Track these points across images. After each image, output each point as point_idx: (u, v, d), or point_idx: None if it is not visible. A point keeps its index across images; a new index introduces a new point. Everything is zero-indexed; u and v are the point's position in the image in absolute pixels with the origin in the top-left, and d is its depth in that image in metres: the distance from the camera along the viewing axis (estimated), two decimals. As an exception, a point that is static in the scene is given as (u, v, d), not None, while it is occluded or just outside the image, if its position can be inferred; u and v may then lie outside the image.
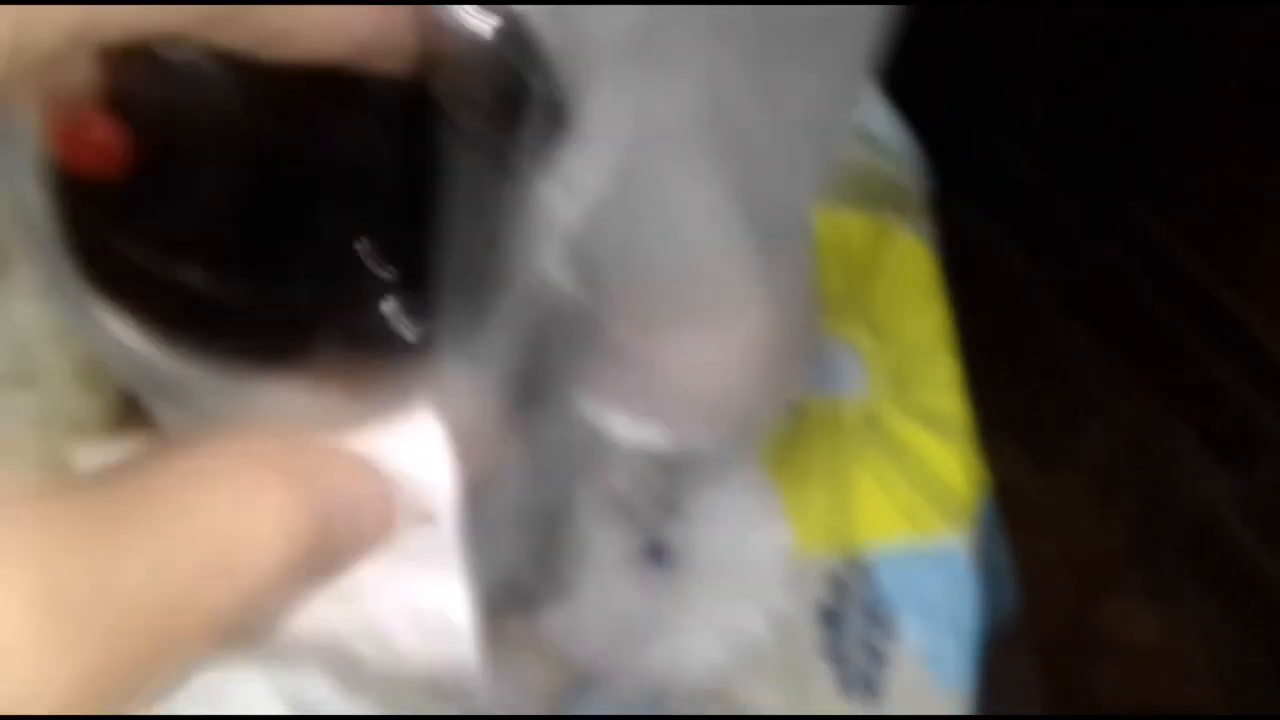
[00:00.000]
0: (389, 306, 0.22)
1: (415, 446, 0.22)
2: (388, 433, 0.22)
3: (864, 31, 0.31)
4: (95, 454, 0.20)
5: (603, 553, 0.43)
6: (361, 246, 0.21)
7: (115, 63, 0.19)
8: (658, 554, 0.45)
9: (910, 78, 0.64)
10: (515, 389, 0.24)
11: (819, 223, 0.50)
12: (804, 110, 0.31)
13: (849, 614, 0.44)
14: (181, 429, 0.25)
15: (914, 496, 0.46)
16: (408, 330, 0.23)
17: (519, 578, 0.37)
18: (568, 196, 0.24)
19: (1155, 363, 1.21)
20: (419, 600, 0.24)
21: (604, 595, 0.43)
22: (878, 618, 0.44)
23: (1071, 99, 1.15)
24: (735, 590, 0.45)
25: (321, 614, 0.23)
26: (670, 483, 0.40)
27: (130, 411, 0.41)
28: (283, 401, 0.24)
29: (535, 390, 0.27)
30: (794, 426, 0.47)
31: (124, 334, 0.22)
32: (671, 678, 0.43)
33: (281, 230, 0.21)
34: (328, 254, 0.21)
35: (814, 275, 0.37)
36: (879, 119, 0.55)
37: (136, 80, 0.19)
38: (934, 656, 0.44)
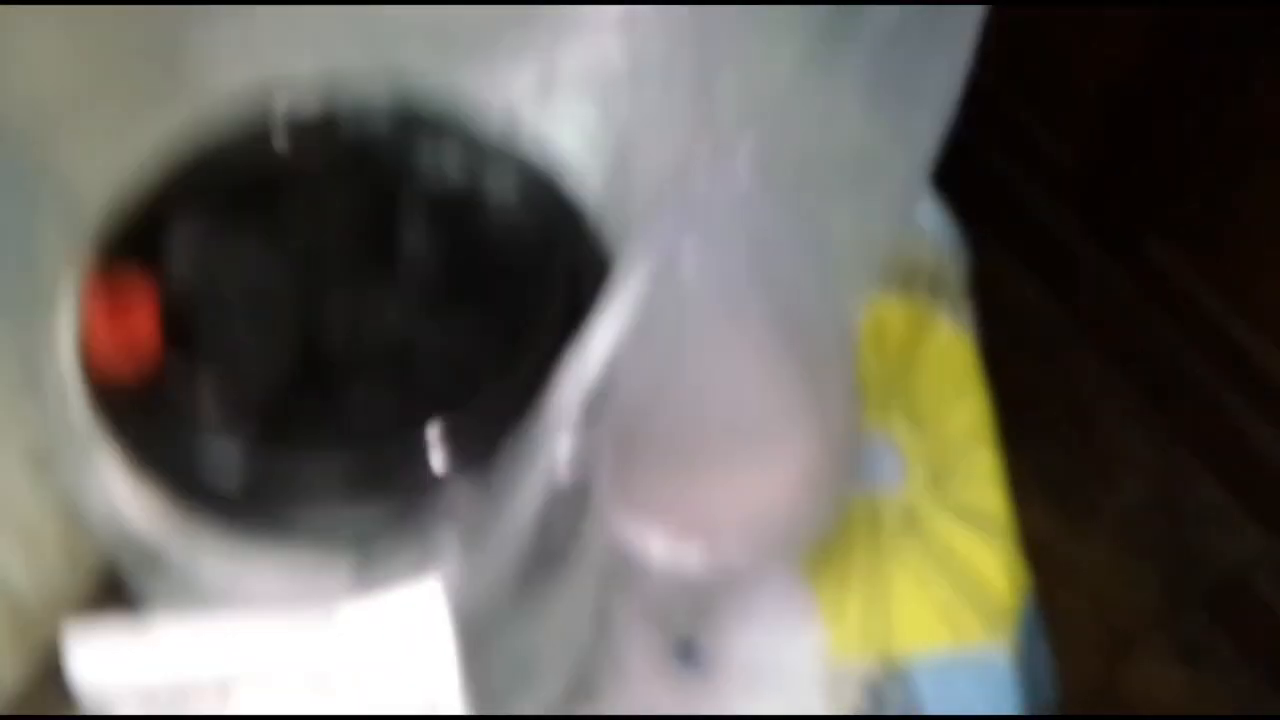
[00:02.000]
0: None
1: (413, 617, 0.21)
2: (386, 604, 0.21)
3: (918, 153, 0.30)
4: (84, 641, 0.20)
5: (633, 652, 0.42)
6: (430, 433, 0.21)
7: (160, 229, 0.19)
8: (689, 654, 0.44)
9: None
10: (522, 565, 0.23)
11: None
12: (852, 237, 0.30)
13: (887, 724, 0.43)
14: (166, 605, 0.25)
15: (954, 600, 0.45)
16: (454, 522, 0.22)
17: (550, 694, 0.36)
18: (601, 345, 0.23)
19: (1187, 419, 1.19)
20: None
21: (633, 696, 0.42)
22: (917, 729, 0.43)
23: (1102, 147, 1.14)
24: (769, 695, 0.43)
25: None
26: (705, 596, 0.39)
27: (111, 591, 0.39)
28: (279, 579, 0.23)
29: (551, 548, 0.26)
30: (828, 529, 0.46)
31: (136, 508, 0.21)
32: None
33: (313, 405, 0.20)
34: (365, 434, 0.20)
35: (856, 384, 0.36)
36: (924, 206, 0.54)
37: (181, 248, 0.19)
38: (974, 769, 0.42)
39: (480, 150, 0.23)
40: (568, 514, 0.23)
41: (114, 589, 0.39)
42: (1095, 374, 1.25)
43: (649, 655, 0.43)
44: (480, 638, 0.21)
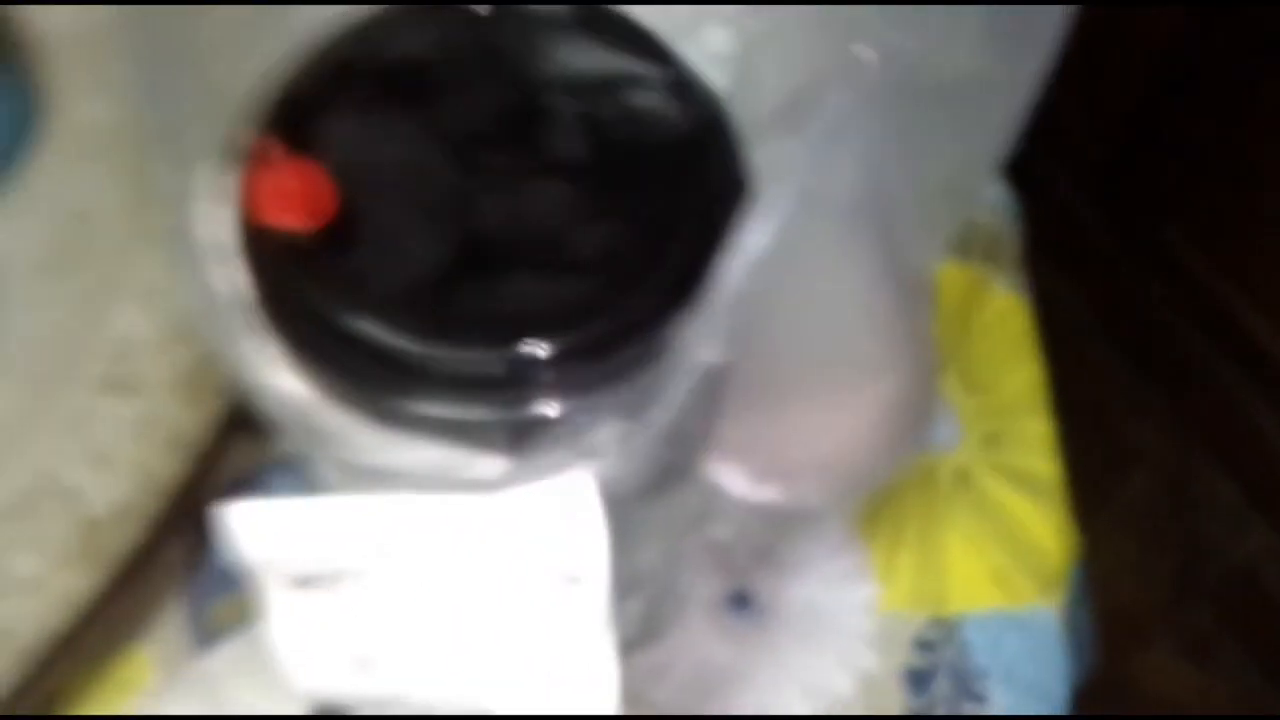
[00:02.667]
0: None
1: (568, 503, 0.21)
2: (541, 490, 0.21)
3: (1018, 92, 0.30)
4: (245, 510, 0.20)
5: (692, 598, 0.43)
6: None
7: (316, 113, 0.19)
8: (743, 602, 0.44)
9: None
10: (664, 459, 0.23)
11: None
12: (946, 173, 0.30)
13: (936, 678, 0.43)
14: (326, 474, 0.25)
15: (1006, 561, 0.45)
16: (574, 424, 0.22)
17: (628, 633, 0.36)
18: (737, 263, 0.23)
19: (1201, 413, 1.19)
20: (561, 658, 0.23)
21: (690, 640, 0.43)
22: (967, 686, 0.43)
23: (1125, 135, 1.14)
24: (821, 645, 0.44)
25: (459, 677, 0.22)
26: (773, 536, 0.40)
27: (236, 425, 0.40)
28: (434, 459, 0.23)
29: (678, 459, 0.26)
30: (887, 483, 0.46)
31: (290, 381, 0.21)
32: (754, 731, 0.42)
33: (470, 295, 0.20)
34: (513, 322, 0.20)
35: (936, 340, 0.36)
36: (985, 177, 0.54)
37: (336, 132, 0.19)
38: (1022, 726, 0.43)
39: (631, 53, 0.23)
40: (696, 426, 0.23)
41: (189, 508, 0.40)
42: (1109, 364, 1.25)
43: (706, 602, 0.44)
44: (618, 542, 0.21)
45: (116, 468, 0.39)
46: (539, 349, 0.20)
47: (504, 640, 0.22)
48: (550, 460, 0.20)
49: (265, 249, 0.20)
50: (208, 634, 0.42)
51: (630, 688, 0.42)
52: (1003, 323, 0.51)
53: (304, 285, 0.20)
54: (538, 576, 0.21)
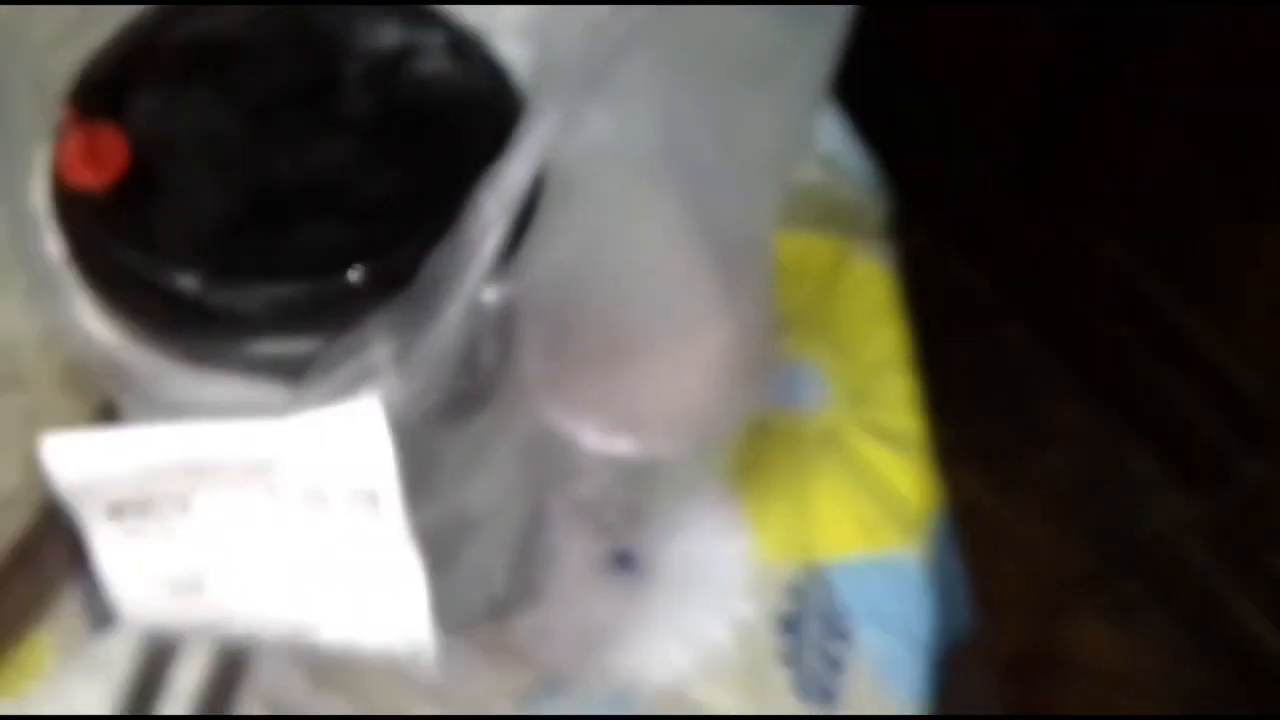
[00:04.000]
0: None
1: (357, 425, 0.23)
2: (331, 413, 0.23)
3: (816, 62, 0.33)
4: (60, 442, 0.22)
5: (571, 560, 0.45)
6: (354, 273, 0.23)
7: (118, 84, 0.21)
8: (625, 562, 0.46)
9: (881, 100, 0.66)
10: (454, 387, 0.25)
11: (781, 245, 0.52)
12: (758, 138, 0.33)
13: (807, 621, 0.46)
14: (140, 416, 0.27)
15: (871, 510, 0.48)
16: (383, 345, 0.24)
17: (495, 590, 0.39)
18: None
19: (1118, 387, 1.22)
20: (371, 581, 0.25)
21: (572, 600, 0.45)
22: (834, 626, 0.46)
23: (1034, 117, 1.17)
24: (698, 597, 0.46)
25: (278, 604, 0.24)
26: (637, 492, 0.42)
27: (109, 415, 0.42)
28: (235, 392, 0.25)
29: (471, 388, 0.28)
30: (756, 441, 0.49)
31: (103, 331, 0.23)
32: (635, 680, 0.44)
33: (257, 241, 0.23)
34: (309, 264, 0.23)
35: (773, 296, 0.39)
36: (839, 142, 0.57)
37: (137, 101, 0.21)
38: (888, 664, 0.45)
39: (416, 21, 0.25)
40: (488, 353, 0.26)
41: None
42: (1027, 347, 1.28)
43: (588, 564, 0.46)
44: (419, 464, 0.23)
45: (5, 458, 0.40)
46: (319, 285, 0.22)
47: (318, 564, 0.24)
48: (336, 384, 0.22)
49: (71, 208, 0.22)
50: (105, 618, 0.44)
51: (515, 647, 0.44)
52: (865, 289, 0.53)
53: (103, 238, 0.22)
54: (337, 497, 0.23)
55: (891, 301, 0.53)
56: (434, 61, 0.25)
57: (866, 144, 0.58)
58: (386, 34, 0.25)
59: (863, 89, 0.55)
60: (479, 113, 0.24)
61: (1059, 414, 1.25)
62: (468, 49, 0.25)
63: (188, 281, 0.22)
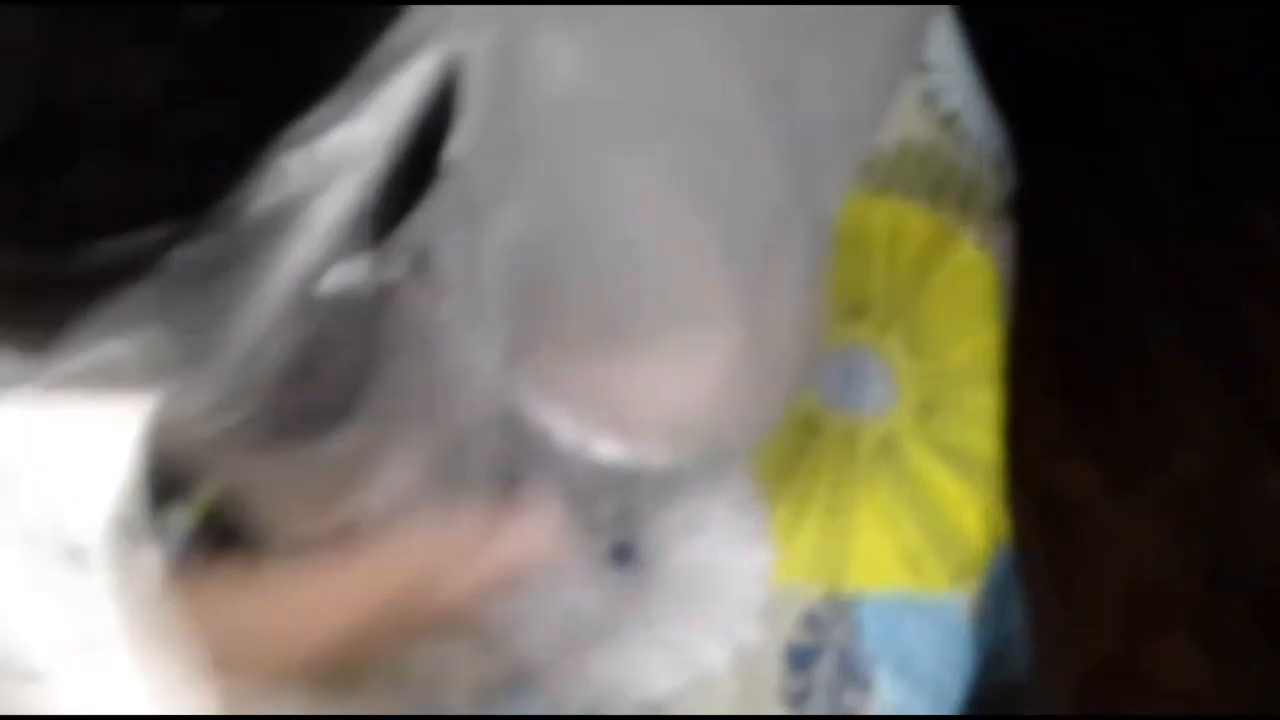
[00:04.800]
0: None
1: (104, 435, 0.18)
2: (87, 406, 0.18)
3: (901, 23, 0.25)
4: None
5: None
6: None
7: None
8: (623, 556, 0.41)
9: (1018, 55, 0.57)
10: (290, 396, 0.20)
11: (872, 210, 0.44)
12: (816, 99, 0.25)
13: (821, 658, 0.40)
14: None
15: (919, 539, 0.41)
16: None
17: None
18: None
19: (1260, 400, 1.12)
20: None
21: (553, 589, 0.40)
22: (853, 670, 0.39)
23: (1212, 98, 1.05)
24: (701, 610, 0.40)
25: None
26: (630, 495, 0.36)
27: None
28: None
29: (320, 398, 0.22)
30: (801, 439, 0.42)
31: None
32: (613, 691, 0.39)
33: (32, 177, 0.17)
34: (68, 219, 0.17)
35: (822, 288, 0.32)
36: (973, 109, 0.49)
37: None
38: (907, 723, 0.39)
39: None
40: (341, 358, 0.20)
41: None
42: (1171, 338, 1.18)
43: (586, 552, 0.40)
44: (260, 487, 0.18)
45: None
46: (92, 252, 0.17)
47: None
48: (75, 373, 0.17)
49: None
50: None
51: (490, 633, 0.40)
52: (965, 280, 0.46)
53: None
54: (58, 492, 0.18)
55: (992, 299, 0.46)
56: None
57: (998, 107, 0.49)
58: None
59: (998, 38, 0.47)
60: (347, 23, 0.18)
61: (1195, 419, 1.15)
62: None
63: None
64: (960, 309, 0.45)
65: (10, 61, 0.17)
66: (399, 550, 0.25)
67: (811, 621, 0.40)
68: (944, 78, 0.49)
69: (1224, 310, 1.11)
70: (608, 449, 0.30)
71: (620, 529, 0.40)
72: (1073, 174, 1.04)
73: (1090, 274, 1.15)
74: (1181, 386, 1.16)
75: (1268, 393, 1.10)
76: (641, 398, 0.30)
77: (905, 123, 0.48)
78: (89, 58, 0.17)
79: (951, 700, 0.39)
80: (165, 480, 0.20)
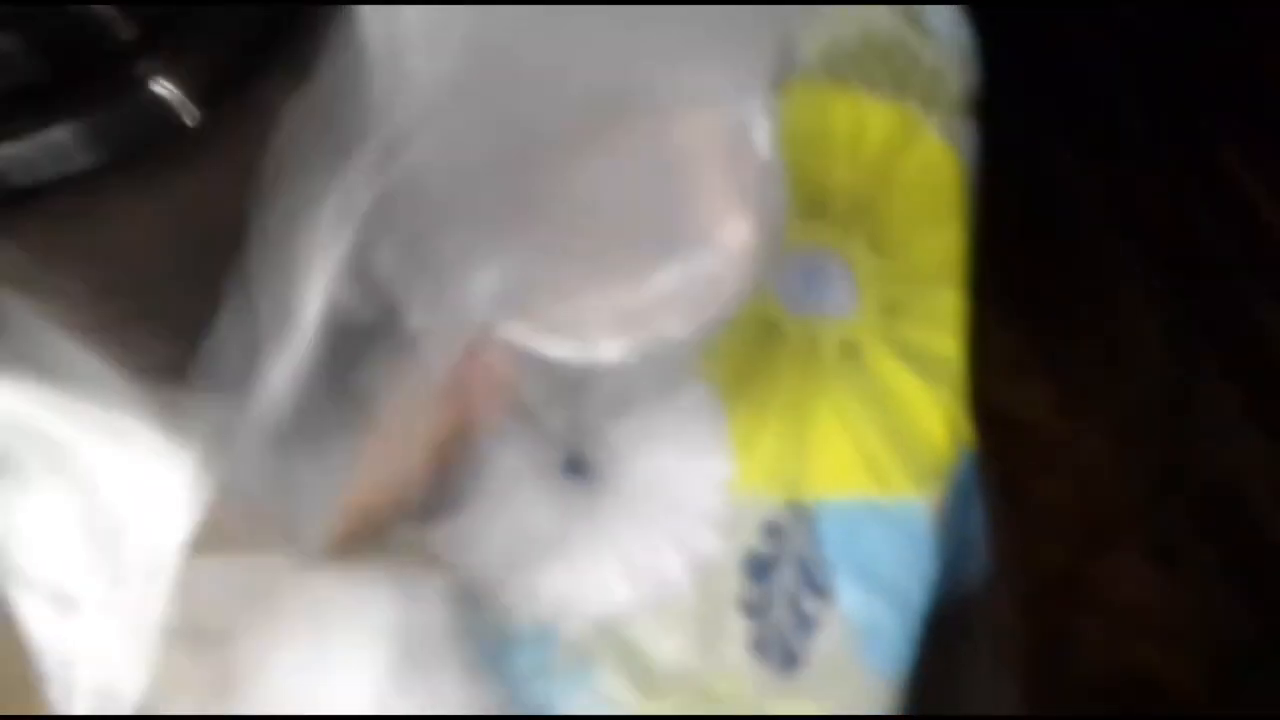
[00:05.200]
0: (159, 85, 0.16)
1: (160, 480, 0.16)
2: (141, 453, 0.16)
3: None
4: None
5: (505, 460, 0.38)
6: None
7: None
8: (574, 468, 0.39)
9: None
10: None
11: (832, 103, 0.42)
12: None
13: (780, 567, 0.38)
14: None
15: (882, 444, 0.40)
16: (186, 111, 0.16)
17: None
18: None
19: (1211, 315, 1.13)
20: None
21: (502, 505, 0.38)
22: (813, 577, 0.38)
23: (1181, 19, 1.04)
24: (657, 521, 0.39)
25: None
26: (581, 398, 0.34)
27: None
28: None
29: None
30: (760, 342, 0.40)
31: None
32: (566, 605, 0.38)
33: None
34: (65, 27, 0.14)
35: (773, 192, 0.30)
36: (940, 8, 0.46)
37: None
38: (868, 630, 0.38)
39: None
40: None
41: None
42: (1123, 255, 1.18)
43: (528, 466, 0.38)
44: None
45: None
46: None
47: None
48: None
49: None
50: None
51: (437, 553, 0.38)
52: (929, 174, 0.44)
53: None
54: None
55: (958, 194, 0.44)
56: None
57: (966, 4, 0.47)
58: None
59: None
60: None
61: (1147, 338, 1.15)
62: None
63: None
64: (925, 205, 0.43)
65: None
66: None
67: (771, 530, 0.39)
68: (908, -34, 0.47)
69: (1179, 226, 1.11)
70: (558, 348, 0.28)
71: (573, 440, 0.38)
72: (1036, 94, 1.02)
73: (1050, 194, 1.14)
74: (1134, 308, 1.16)
75: (1221, 309, 1.10)
76: (593, 299, 0.28)
77: (868, 13, 0.46)
78: None
79: (913, 606, 0.38)
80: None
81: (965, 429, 0.41)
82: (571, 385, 0.32)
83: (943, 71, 0.45)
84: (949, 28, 0.47)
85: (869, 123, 0.44)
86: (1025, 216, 1.06)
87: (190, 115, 0.16)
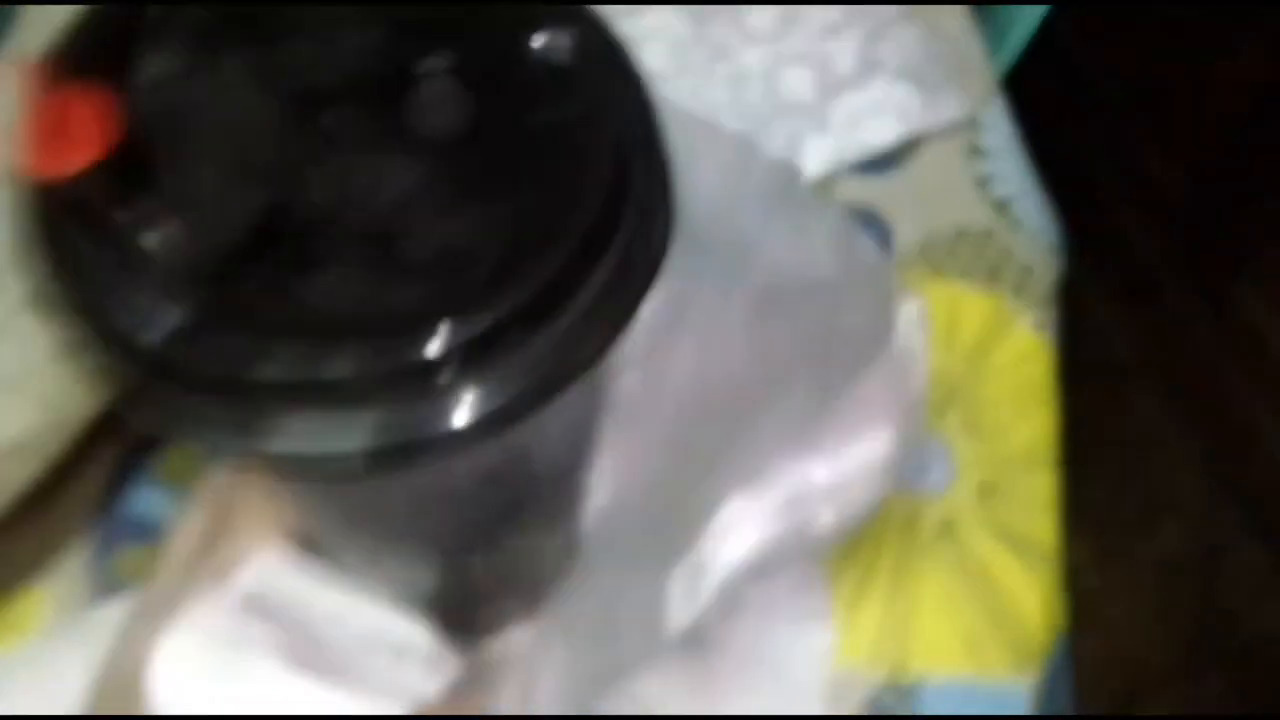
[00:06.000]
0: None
1: None
2: None
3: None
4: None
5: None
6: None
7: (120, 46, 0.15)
8: (684, 636, 0.40)
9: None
10: None
11: (931, 292, 0.45)
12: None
13: (884, 743, 0.39)
14: None
15: (981, 625, 0.41)
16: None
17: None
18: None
19: (1244, 475, 1.14)
20: None
21: (620, 676, 0.39)
22: (915, 755, 0.39)
23: (1214, 179, 1.08)
24: (766, 691, 0.40)
25: None
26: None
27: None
28: None
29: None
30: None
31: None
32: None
33: (264, 285, 0.16)
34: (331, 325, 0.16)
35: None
36: (1028, 197, 0.49)
37: (140, 70, 0.15)
38: (969, 811, 0.39)
39: (544, 16, 0.18)
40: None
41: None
42: (1158, 412, 1.20)
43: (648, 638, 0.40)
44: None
45: (24, 396, 0.36)
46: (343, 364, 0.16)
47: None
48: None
49: (43, 204, 0.16)
50: (109, 583, 0.40)
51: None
52: (1021, 365, 0.46)
53: (61, 238, 0.16)
54: None
55: (1047, 382, 0.46)
56: (549, 57, 0.18)
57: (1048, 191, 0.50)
58: (497, 22, 0.18)
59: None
60: (602, 143, 0.17)
61: (1181, 492, 1.17)
62: (597, 46, 0.18)
63: (168, 314, 0.16)
64: (1019, 392, 0.45)
65: (247, 166, 0.16)
66: None
67: (875, 705, 0.40)
68: (997, 164, 0.50)
69: (1212, 385, 1.13)
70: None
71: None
72: (1069, 255, 1.06)
73: (1083, 351, 1.16)
74: (1169, 460, 1.17)
75: (1253, 468, 1.11)
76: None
77: (961, 208, 0.49)
78: (327, 164, 0.16)
79: (1013, 787, 0.39)
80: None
81: (1061, 612, 0.42)
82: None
83: (1033, 262, 0.48)
84: (1037, 219, 0.49)
85: (964, 311, 0.46)
86: (1059, 371, 1.08)
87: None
